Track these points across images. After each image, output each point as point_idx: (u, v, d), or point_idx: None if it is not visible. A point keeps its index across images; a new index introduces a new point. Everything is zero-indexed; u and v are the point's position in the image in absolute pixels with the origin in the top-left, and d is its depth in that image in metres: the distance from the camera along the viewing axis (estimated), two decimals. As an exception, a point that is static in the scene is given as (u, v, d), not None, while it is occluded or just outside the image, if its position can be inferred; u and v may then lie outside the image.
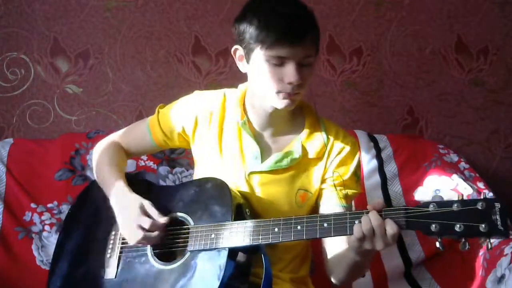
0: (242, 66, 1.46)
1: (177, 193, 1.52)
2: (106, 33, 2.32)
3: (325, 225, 1.27)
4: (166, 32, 2.34)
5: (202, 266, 1.36)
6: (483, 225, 1.13)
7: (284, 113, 1.48)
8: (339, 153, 1.49)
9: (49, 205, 2.05)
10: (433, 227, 1.17)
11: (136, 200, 1.47)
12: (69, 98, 2.33)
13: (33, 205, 2.03)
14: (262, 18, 1.34)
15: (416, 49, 2.44)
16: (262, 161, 1.48)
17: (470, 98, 2.47)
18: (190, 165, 2.14)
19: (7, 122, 2.31)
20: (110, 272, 1.49)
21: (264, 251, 1.37)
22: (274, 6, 1.35)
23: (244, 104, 1.53)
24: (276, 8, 1.34)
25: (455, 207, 1.17)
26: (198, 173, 1.60)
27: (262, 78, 1.39)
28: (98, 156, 1.65)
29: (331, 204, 1.48)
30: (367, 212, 1.23)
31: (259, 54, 1.36)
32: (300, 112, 1.54)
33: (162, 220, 1.43)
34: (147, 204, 1.45)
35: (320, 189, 1.50)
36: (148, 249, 1.47)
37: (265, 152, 1.50)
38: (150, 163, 2.15)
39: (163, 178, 2.13)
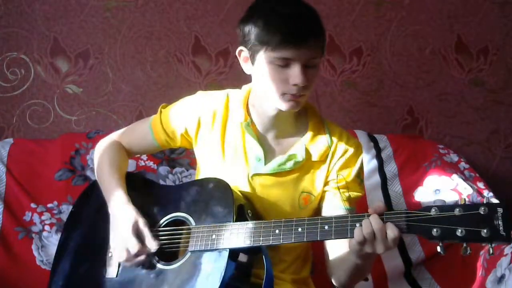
0: (247, 67, 1.44)
1: (178, 193, 1.51)
2: (106, 33, 2.32)
3: (326, 227, 1.26)
4: (166, 32, 2.34)
5: (202, 266, 1.35)
6: (485, 230, 1.12)
7: (288, 114, 1.47)
8: (343, 155, 1.48)
9: (49, 205, 2.05)
10: (434, 231, 1.16)
11: (131, 215, 1.44)
12: (69, 98, 2.33)
13: (33, 205, 2.03)
14: (267, 20, 1.33)
15: (416, 49, 2.44)
16: (265, 164, 1.47)
17: (470, 98, 2.47)
18: (190, 165, 2.14)
19: (7, 122, 2.31)
20: (112, 271, 1.49)
21: (265, 252, 1.36)
22: (279, 7, 1.34)
23: (247, 105, 1.51)
24: (281, 10, 1.33)
25: (457, 211, 1.15)
26: (200, 174, 1.59)
27: (267, 80, 1.37)
28: (99, 156, 1.64)
29: (334, 206, 1.47)
30: (368, 215, 1.23)
31: (264, 56, 1.35)
32: (303, 114, 1.53)
33: (153, 246, 1.41)
34: (142, 223, 1.43)
35: (323, 191, 1.50)
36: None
37: (268, 154, 1.49)
38: (150, 163, 2.15)
39: (163, 178, 2.13)
